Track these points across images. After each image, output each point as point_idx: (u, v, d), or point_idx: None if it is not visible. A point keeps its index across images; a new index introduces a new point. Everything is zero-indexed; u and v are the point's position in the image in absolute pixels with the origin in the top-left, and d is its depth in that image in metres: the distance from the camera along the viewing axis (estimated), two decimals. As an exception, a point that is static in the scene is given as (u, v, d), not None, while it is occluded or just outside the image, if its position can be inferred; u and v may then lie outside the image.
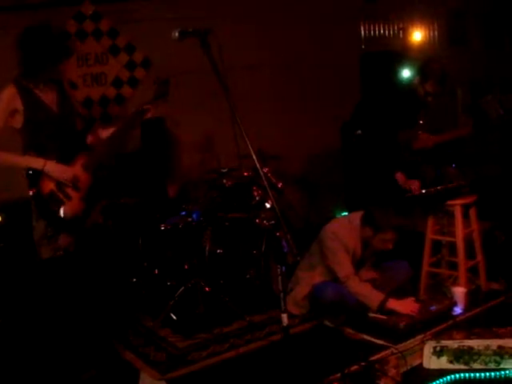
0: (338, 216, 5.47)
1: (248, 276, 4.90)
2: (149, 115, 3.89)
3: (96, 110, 5.88)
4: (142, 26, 5.94)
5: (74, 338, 3.63)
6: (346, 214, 5.33)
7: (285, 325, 2.92)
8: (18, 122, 3.50)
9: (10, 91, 3.47)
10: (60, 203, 3.54)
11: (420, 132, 5.13)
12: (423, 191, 4.84)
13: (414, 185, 4.88)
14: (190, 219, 5.04)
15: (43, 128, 3.53)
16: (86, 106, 5.82)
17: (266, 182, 3.06)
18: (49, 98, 3.59)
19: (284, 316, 2.91)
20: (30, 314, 4.23)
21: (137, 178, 5.40)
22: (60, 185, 3.54)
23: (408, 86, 5.19)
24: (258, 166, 2.97)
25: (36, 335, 3.61)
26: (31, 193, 3.51)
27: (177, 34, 3.03)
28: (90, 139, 3.79)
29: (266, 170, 5.23)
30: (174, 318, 4.63)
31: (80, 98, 5.79)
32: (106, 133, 3.89)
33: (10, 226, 4.65)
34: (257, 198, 5.22)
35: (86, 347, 3.74)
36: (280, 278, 2.91)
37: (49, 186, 3.52)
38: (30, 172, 3.50)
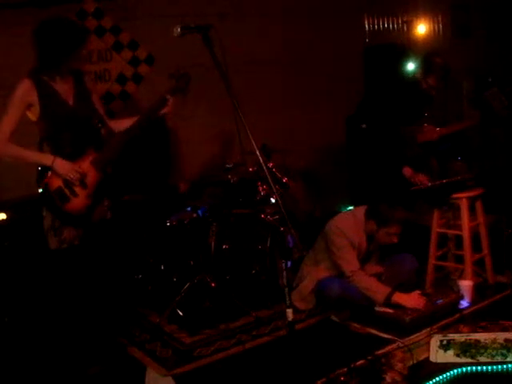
0: (343, 211, 5.46)
1: (254, 271, 4.89)
2: (166, 109, 3.81)
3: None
4: (145, 22, 5.93)
5: (80, 333, 3.64)
6: (351, 208, 5.32)
7: (290, 320, 2.93)
8: (35, 114, 3.54)
9: (26, 85, 3.49)
10: (66, 200, 3.56)
11: (425, 125, 5.12)
12: (429, 184, 4.83)
13: (422, 179, 4.87)
14: (195, 215, 5.04)
15: (58, 121, 3.55)
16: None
17: (269, 178, 3.05)
18: (65, 90, 3.60)
19: (289, 311, 2.92)
20: (37, 311, 4.25)
21: (140, 174, 5.41)
22: (67, 182, 3.56)
23: (412, 79, 5.19)
24: (261, 161, 2.97)
25: (43, 331, 3.62)
26: (40, 187, 3.56)
27: (179, 30, 3.03)
28: (102, 133, 3.81)
29: (270, 165, 5.23)
30: (180, 313, 4.63)
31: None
32: (119, 124, 3.91)
33: (17, 224, 4.64)
34: (262, 194, 5.22)
35: (92, 343, 3.75)
36: (285, 273, 2.92)
37: (57, 183, 3.56)
38: (39, 168, 3.54)
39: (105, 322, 3.86)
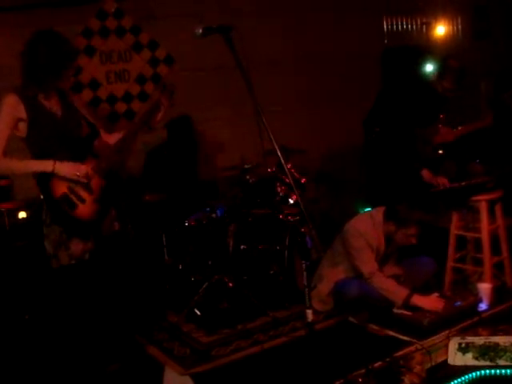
0: (361, 212, 5.45)
1: (271, 272, 4.90)
2: (159, 117, 3.81)
3: (120, 106, 5.92)
4: (165, 22, 5.95)
5: (99, 332, 3.66)
6: (369, 209, 5.31)
7: (310, 320, 2.93)
8: (23, 131, 3.38)
9: (12, 99, 3.34)
10: (73, 206, 3.40)
11: (440, 126, 5.11)
12: (448, 187, 4.82)
13: (442, 180, 4.85)
14: (213, 215, 5.05)
15: (48, 135, 3.41)
16: (110, 103, 5.86)
17: (290, 179, 3.07)
18: (52, 104, 3.47)
19: (309, 312, 2.92)
20: (57, 309, 4.28)
21: (163, 176, 5.45)
22: (72, 188, 3.41)
23: (429, 80, 5.18)
24: (282, 161, 2.98)
25: (63, 329, 3.64)
26: (42, 197, 3.40)
27: (200, 31, 3.04)
28: (96, 145, 3.65)
29: (288, 165, 5.23)
30: (198, 313, 4.65)
31: (104, 95, 5.83)
32: (112, 139, 3.76)
33: (36, 223, 4.68)
34: (280, 194, 5.23)
35: (111, 342, 3.77)
36: (305, 273, 2.92)
37: (61, 189, 3.38)
38: (39, 176, 3.38)
39: (125, 321, 3.88)
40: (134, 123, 3.82)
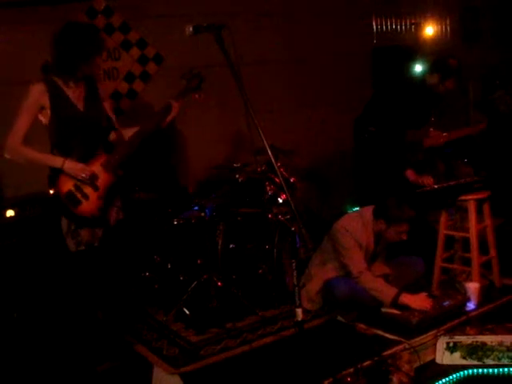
0: (350, 211, 5.46)
1: (260, 271, 4.90)
2: (174, 112, 3.95)
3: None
4: (154, 21, 5.93)
5: (89, 331, 3.66)
6: (358, 209, 5.33)
7: (299, 319, 2.94)
8: (46, 117, 3.59)
9: (39, 88, 3.54)
10: (77, 203, 3.60)
11: (431, 129, 5.11)
12: (435, 186, 4.83)
13: (427, 179, 4.87)
14: (202, 214, 5.04)
15: (68, 126, 3.60)
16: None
17: (281, 178, 3.08)
18: (76, 94, 3.65)
19: (298, 310, 2.92)
20: (45, 308, 4.27)
21: (148, 173, 5.45)
22: (78, 185, 3.60)
23: (420, 81, 5.17)
24: (272, 160, 2.98)
25: (52, 327, 3.63)
26: (51, 192, 3.60)
27: (191, 29, 3.05)
28: (112, 136, 3.88)
29: (278, 165, 5.22)
30: (187, 312, 4.64)
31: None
32: (129, 132, 3.92)
33: (24, 221, 4.67)
34: (269, 193, 5.22)
35: (100, 341, 3.76)
36: (295, 272, 2.93)
37: (67, 186, 3.59)
38: (50, 172, 3.59)
39: (113, 320, 3.87)
40: (149, 122, 3.93)
